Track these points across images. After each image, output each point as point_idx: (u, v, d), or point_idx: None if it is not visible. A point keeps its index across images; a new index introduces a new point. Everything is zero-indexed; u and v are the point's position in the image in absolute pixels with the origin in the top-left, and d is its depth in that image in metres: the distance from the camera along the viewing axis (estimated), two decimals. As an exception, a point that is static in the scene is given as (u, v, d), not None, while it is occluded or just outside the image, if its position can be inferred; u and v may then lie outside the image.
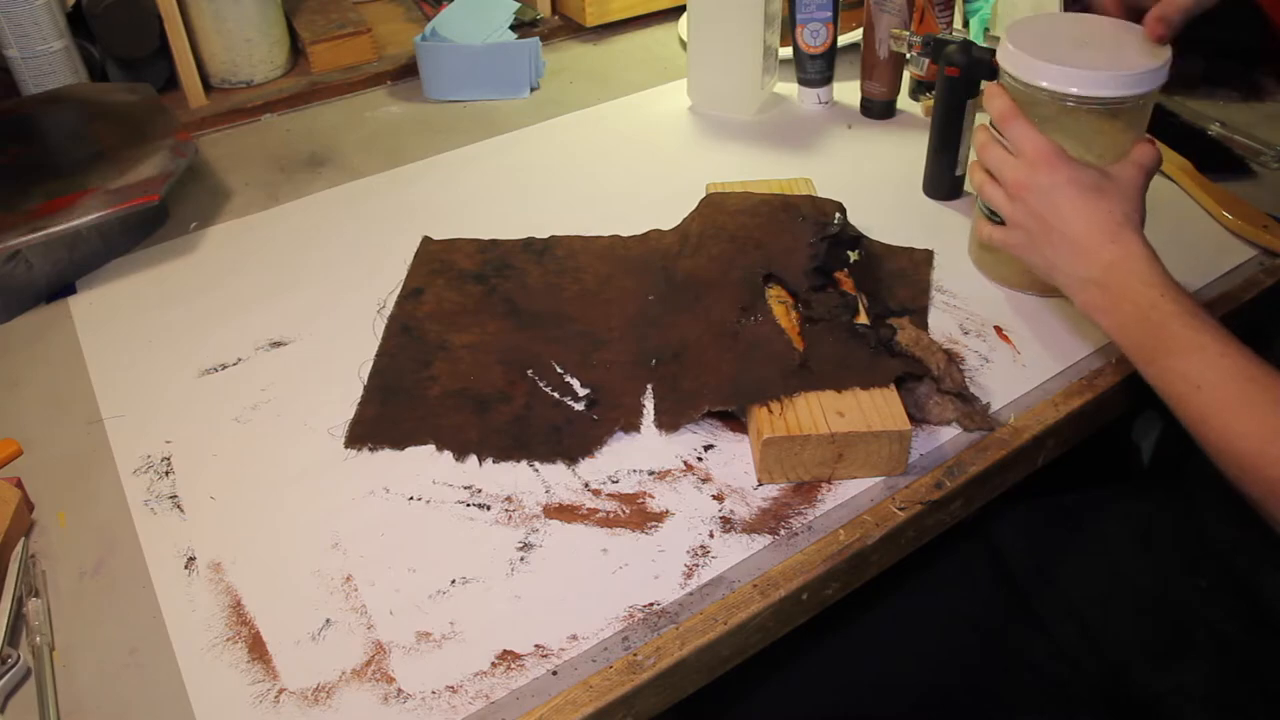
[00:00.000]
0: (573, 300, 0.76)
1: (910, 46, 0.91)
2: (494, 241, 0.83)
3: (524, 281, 0.78)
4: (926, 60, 0.92)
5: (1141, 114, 0.70)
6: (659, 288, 0.76)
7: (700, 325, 0.69)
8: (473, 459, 0.64)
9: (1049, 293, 0.75)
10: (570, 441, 0.65)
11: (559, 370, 0.70)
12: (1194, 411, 0.57)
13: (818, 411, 0.61)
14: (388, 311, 0.77)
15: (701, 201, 0.81)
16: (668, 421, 0.65)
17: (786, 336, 0.66)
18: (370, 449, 0.65)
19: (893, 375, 0.63)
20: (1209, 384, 0.56)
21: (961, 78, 0.83)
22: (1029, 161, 0.64)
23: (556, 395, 0.68)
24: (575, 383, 0.69)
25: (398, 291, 0.79)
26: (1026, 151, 0.65)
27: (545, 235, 0.83)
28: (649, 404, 0.67)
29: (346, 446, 0.65)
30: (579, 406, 0.67)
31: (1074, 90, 0.66)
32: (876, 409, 0.61)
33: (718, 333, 0.68)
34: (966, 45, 0.83)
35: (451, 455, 0.64)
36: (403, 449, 0.65)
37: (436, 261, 0.81)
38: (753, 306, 0.69)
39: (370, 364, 0.71)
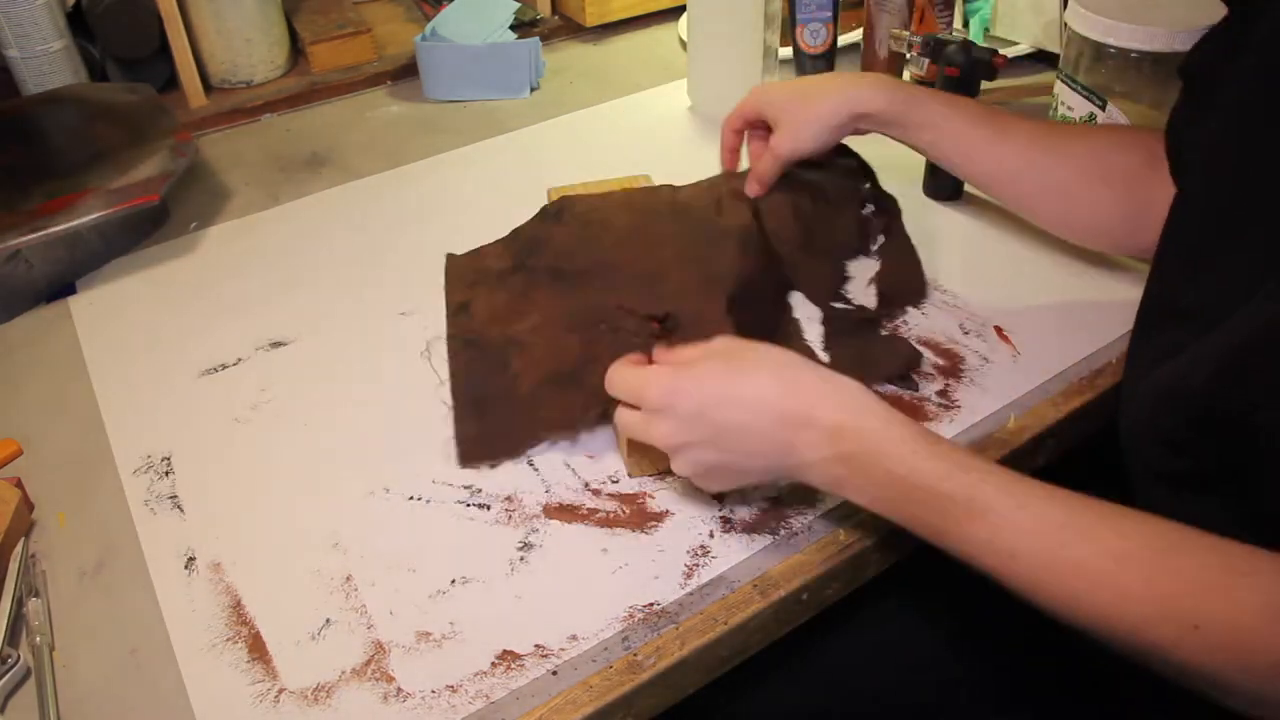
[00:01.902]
0: (614, 248, 0.73)
1: (910, 46, 0.91)
2: (514, 232, 0.80)
3: (555, 247, 0.75)
4: (926, 60, 0.92)
5: None
6: (699, 234, 0.74)
7: (755, 283, 0.71)
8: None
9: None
10: None
11: (629, 311, 0.67)
12: (1022, 581, 0.48)
13: None
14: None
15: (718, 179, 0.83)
16: (779, 338, 0.65)
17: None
18: (490, 465, 0.64)
19: (905, 360, 0.68)
20: (1022, 550, 0.47)
21: (961, 78, 0.82)
22: (653, 403, 0.55)
23: (636, 332, 0.66)
24: (650, 318, 0.67)
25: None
26: (645, 394, 0.55)
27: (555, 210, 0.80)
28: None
29: (463, 465, 0.63)
30: (661, 336, 0.65)
31: (1138, 45, 0.76)
32: None
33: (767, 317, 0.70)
34: (966, 45, 0.83)
35: (566, 440, 0.64)
36: (519, 455, 0.64)
37: (469, 272, 0.78)
38: (785, 319, 0.73)
39: (445, 385, 0.69)
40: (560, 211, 0.78)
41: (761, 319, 0.66)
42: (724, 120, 0.81)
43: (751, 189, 0.77)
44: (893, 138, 0.75)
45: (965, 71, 0.82)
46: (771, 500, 0.61)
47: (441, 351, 0.72)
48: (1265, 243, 0.50)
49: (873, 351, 0.69)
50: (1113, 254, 0.77)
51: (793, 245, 0.76)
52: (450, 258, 0.80)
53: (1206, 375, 0.49)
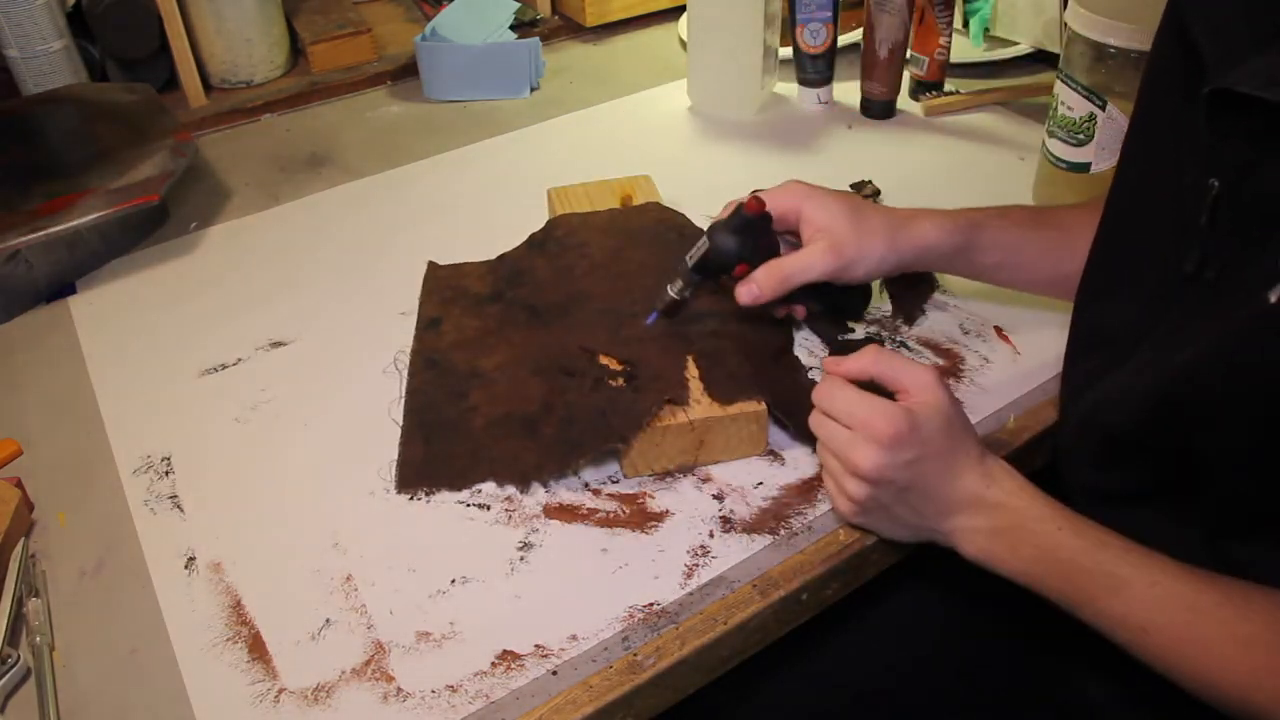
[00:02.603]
0: (587, 277, 0.72)
1: (683, 286, 0.66)
2: (500, 258, 0.80)
3: (535, 280, 0.75)
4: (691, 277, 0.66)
5: None
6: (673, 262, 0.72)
7: (733, 328, 0.68)
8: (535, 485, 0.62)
9: None
10: (618, 420, 0.60)
11: (590, 352, 0.66)
12: (1151, 654, 0.51)
13: None
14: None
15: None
16: (721, 395, 0.62)
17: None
18: (427, 493, 0.62)
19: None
20: (1153, 627, 0.50)
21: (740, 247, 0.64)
22: (881, 439, 0.54)
23: (593, 379, 0.64)
24: (610, 361, 0.65)
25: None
26: (874, 425, 0.54)
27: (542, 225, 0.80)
28: (692, 378, 0.63)
29: (399, 491, 0.62)
30: (618, 384, 0.63)
31: (1138, 45, 0.74)
32: None
33: (757, 355, 0.67)
34: (719, 226, 0.64)
35: (516, 489, 0.62)
36: (460, 489, 0.62)
37: (447, 289, 0.77)
38: (787, 350, 0.71)
39: (401, 401, 0.68)
40: (545, 239, 0.78)
41: (732, 371, 0.64)
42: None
43: (746, 297, 0.63)
44: (943, 271, 0.70)
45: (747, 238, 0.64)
46: None
47: (407, 364, 0.71)
48: (1158, 269, 0.53)
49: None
50: None
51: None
52: (431, 266, 0.80)
53: (1137, 411, 0.52)
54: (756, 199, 0.63)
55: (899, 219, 0.65)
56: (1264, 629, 0.47)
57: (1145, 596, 0.50)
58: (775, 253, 0.65)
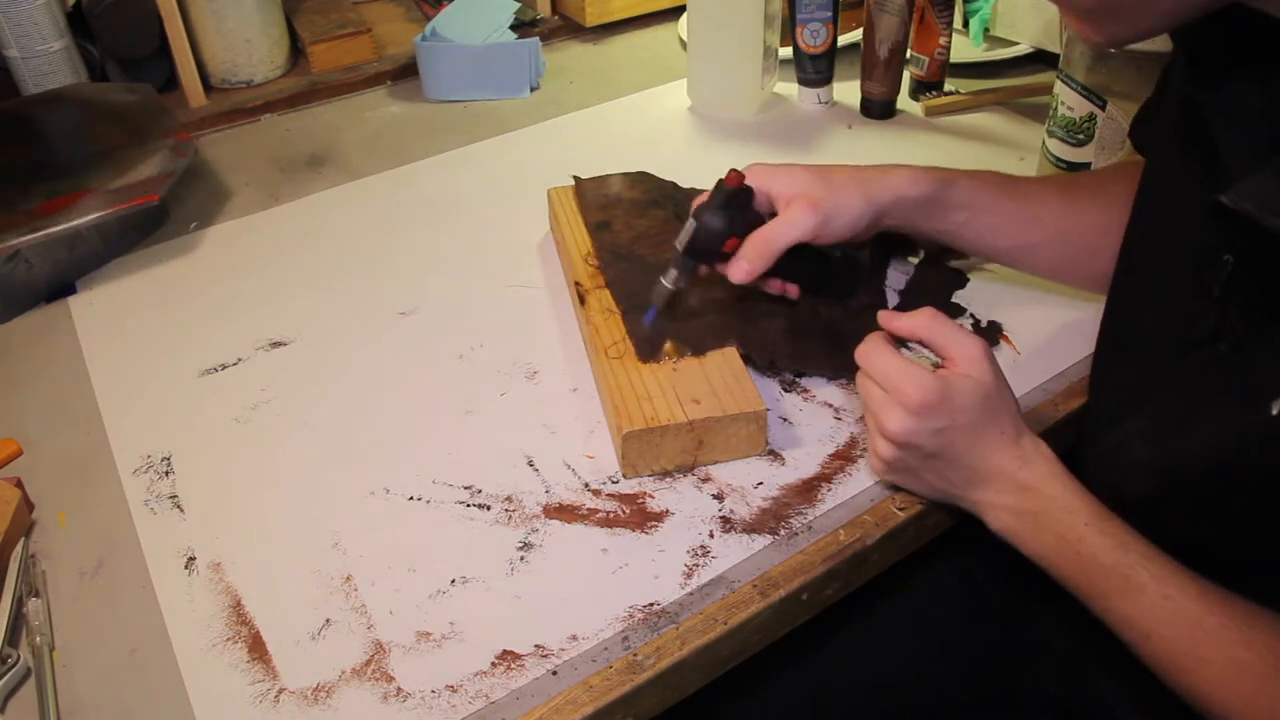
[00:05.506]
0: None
1: (677, 275, 0.66)
2: (641, 173, 0.85)
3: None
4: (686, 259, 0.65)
5: None
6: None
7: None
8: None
9: None
10: (850, 346, 0.60)
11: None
12: (1150, 658, 0.52)
13: (674, 401, 0.62)
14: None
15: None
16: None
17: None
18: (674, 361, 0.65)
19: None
20: (1157, 635, 0.51)
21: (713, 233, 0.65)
22: (910, 405, 0.55)
23: (811, 305, 0.69)
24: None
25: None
26: (905, 391, 0.55)
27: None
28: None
29: (644, 361, 0.65)
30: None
31: (1138, 45, 0.70)
32: (730, 392, 0.62)
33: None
34: (703, 206, 0.65)
35: (753, 362, 0.66)
36: (705, 354, 0.65)
37: (599, 196, 0.81)
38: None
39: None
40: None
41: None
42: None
43: (738, 273, 0.63)
44: (913, 231, 0.69)
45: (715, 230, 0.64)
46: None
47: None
48: (1168, 332, 0.53)
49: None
50: None
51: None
52: (578, 180, 0.84)
53: (1141, 482, 0.54)
54: (735, 172, 0.64)
55: (870, 172, 0.66)
56: (1259, 660, 0.48)
57: (1156, 606, 0.50)
58: (761, 225, 0.65)
